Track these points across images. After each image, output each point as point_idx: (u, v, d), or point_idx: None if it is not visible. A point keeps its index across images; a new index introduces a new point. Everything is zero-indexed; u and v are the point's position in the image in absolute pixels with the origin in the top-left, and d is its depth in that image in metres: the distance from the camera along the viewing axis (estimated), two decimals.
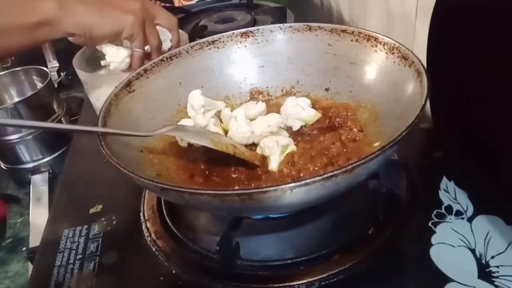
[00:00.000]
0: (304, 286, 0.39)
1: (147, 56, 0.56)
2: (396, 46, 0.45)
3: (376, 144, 0.44)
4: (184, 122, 0.49)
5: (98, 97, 0.60)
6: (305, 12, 1.04)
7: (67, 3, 0.48)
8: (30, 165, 0.69)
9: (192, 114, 0.48)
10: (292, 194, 0.30)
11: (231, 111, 0.50)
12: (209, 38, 0.55)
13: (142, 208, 0.49)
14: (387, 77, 0.46)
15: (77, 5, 0.48)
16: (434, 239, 0.42)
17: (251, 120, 0.49)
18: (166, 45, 0.59)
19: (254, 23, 0.91)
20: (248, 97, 0.56)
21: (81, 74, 0.60)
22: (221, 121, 0.50)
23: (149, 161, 0.45)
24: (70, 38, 0.52)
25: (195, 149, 0.47)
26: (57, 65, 0.92)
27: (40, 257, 0.47)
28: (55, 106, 0.71)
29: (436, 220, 0.44)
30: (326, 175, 0.30)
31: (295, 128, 0.50)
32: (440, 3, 0.44)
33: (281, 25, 0.55)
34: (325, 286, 0.39)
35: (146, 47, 0.55)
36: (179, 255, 0.43)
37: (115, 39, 0.53)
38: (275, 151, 0.44)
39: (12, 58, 0.93)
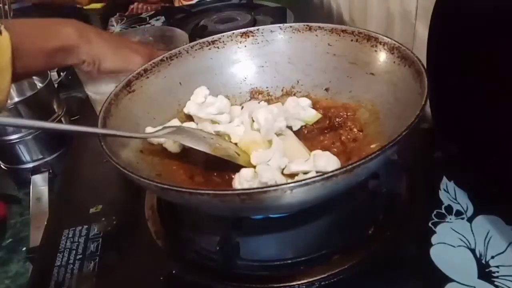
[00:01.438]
0: (304, 286, 0.39)
1: None
2: (396, 46, 0.45)
3: (376, 144, 0.44)
4: (173, 122, 0.49)
5: (98, 97, 0.60)
6: (305, 12, 1.04)
7: (87, 32, 0.51)
8: (30, 165, 0.69)
9: (192, 109, 0.48)
10: (292, 194, 0.30)
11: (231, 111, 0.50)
12: (209, 38, 0.55)
13: (142, 208, 0.49)
14: (387, 77, 0.46)
15: (95, 36, 0.52)
16: (434, 239, 0.42)
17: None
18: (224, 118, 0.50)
19: (254, 23, 0.91)
20: (248, 97, 0.56)
21: (81, 74, 0.60)
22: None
23: (149, 161, 0.45)
24: (76, 68, 0.55)
25: (195, 149, 0.47)
26: None
27: (40, 257, 0.47)
28: (55, 106, 0.71)
29: (436, 220, 0.44)
30: (326, 175, 0.30)
31: (295, 128, 0.50)
32: (440, 3, 0.44)
33: (281, 25, 0.55)
34: (325, 286, 0.39)
35: None
36: (179, 255, 0.43)
37: (119, 74, 0.56)
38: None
39: None
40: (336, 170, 0.30)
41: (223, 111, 0.48)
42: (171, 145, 0.46)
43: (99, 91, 0.59)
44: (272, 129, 0.46)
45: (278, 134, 0.47)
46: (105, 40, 0.53)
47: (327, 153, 0.42)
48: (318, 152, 0.43)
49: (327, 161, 0.40)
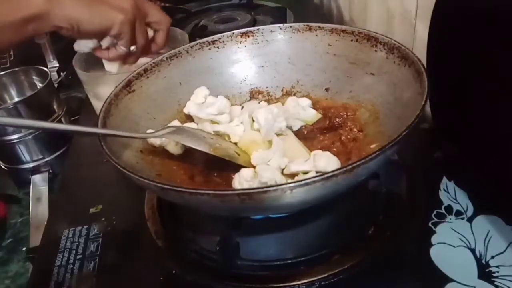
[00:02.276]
0: (304, 286, 0.39)
1: (130, 54, 0.55)
2: (396, 46, 0.45)
3: (376, 144, 0.44)
4: (173, 123, 0.49)
5: (98, 97, 0.60)
6: (305, 12, 1.04)
7: None
8: (30, 165, 0.69)
9: (192, 110, 0.49)
10: (292, 194, 0.30)
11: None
12: (209, 38, 0.55)
13: (142, 208, 0.49)
14: (387, 77, 0.46)
15: None
16: (434, 239, 0.42)
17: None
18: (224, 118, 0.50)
19: (254, 23, 0.91)
20: (248, 97, 0.56)
21: (81, 74, 0.60)
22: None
23: (149, 161, 0.45)
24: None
25: (195, 149, 0.47)
26: (57, 65, 0.92)
27: (40, 257, 0.47)
28: (55, 106, 0.71)
29: (436, 220, 0.44)
30: (326, 175, 0.30)
31: (295, 128, 0.50)
32: (440, 3, 0.44)
33: (281, 25, 0.55)
34: (325, 286, 0.39)
35: (132, 47, 0.53)
36: (179, 255, 0.43)
37: (103, 35, 0.51)
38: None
39: (11, 58, 0.92)
40: (336, 170, 0.30)
41: (223, 111, 0.48)
42: (173, 148, 0.46)
43: (99, 91, 0.59)
44: (272, 129, 0.46)
45: (278, 134, 0.47)
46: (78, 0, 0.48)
47: (327, 153, 0.42)
48: (318, 152, 0.43)
49: (327, 161, 0.40)
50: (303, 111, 0.49)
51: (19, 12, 0.45)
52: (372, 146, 0.45)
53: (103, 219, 0.49)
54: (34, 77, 0.76)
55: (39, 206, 0.63)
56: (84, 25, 0.48)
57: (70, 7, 0.47)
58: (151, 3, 0.53)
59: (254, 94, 0.56)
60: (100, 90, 0.59)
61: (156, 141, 0.46)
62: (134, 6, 0.50)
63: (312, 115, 0.50)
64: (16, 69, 0.77)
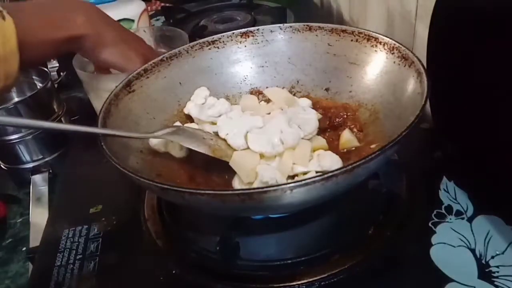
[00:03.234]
0: (304, 286, 0.39)
1: None
2: (396, 46, 0.45)
3: (376, 144, 0.44)
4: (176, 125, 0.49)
5: (98, 97, 0.60)
6: (305, 12, 1.04)
7: (97, 20, 0.51)
8: (30, 165, 0.69)
9: (193, 112, 0.48)
10: (292, 194, 0.30)
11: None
12: (209, 38, 0.55)
13: (142, 208, 0.49)
14: (387, 77, 0.46)
15: (104, 26, 0.51)
16: (434, 239, 0.42)
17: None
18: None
19: (254, 23, 0.91)
20: None
21: (81, 74, 0.60)
22: None
23: (149, 161, 0.45)
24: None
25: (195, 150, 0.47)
26: (57, 65, 0.92)
27: (40, 257, 0.47)
28: (55, 106, 0.71)
29: (436, 220, 0.44)
30: (326, 175, 0.30)
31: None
32: (440, 3, 0.44)
33: (281, 25, 0.55)
34: (325, 286, 0.39)
35: None
36: (179, 255, 0.43)
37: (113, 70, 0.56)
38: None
39: None
40: (336, 170, 0.30)
41: (224, 114, 0.48)
42: (178, 152, 0.46)
43: (99, 91, 0.59)
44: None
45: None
46: (112, 30, 0.52)
47: (330, 152, 0.42)
48: (321, 152, 0.43)
49: (331, 161, 0.40)
50: (303, 112, 0.49)
51: (61, 32, 0.48)
52: (372, 146, 0.45)
53: (103, 219, 0.49)
54: (34, 77, 0.76)
55: (39, 206, 0.63)
56: (105, 54, 0.52)
57: (104, 35, 0.51)
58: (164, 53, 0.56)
59: (254, 94, 0.56)
60: (100, 90, 0.59)
61: (161, 147, 0.46)
62: (147, 55, 0.54)
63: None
64: None
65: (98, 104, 0.60)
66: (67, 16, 0.49)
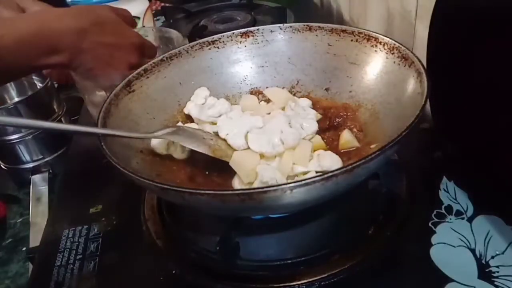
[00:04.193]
0: (304, 286, 0.39)
1: None
2: (396, 46, 0.45)
3: (376, 144, 0.44)
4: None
5: (94, 101, 0.59)
6: (305, 12, 1.04)
7: (85, 36, 0.49)
8: (30, 165, 0.69)
9: (193, 112, 0.48)
10: (292, 194, 0.30)
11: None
12: (209, 38, 0.55)
13: (142, 208, 0.49)
14: (387, 77, 0.46)
15: (91, 44, 0.49)
16: (434, 239, 0.42)
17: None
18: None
19: (254, 23, 0.91)
20: None
21: (77, 77, 0.59)
22: None
23: (149, 161, 0.45)
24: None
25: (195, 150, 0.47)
26: None
27: (40, 257, 0.47)
28: (55, 106, 0.71)
29: (436, 220, 0.44)
30: (326, 175, 0.30)
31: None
32: (440, 3, 0.44)
33: (281, 25, 0.55)
34: (325, 286, 0.39)
35: None
36: (179, 255, 0.43)
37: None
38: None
39: None
40: (336, 170, 0.30)
41: (224, 114, 0.49)
42: (180, 154, 0.46)
43: (95, 96, 0.59)
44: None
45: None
46: (98, 46, 0.50)
47: (330, 152, 0.42)
48: (321, 152, 0.43)
49: (331, 160, 0.40)
50: (303, 112, 0.49)
51: (44, 59, 0.46)
52: (372, 146, 0.45)
53: (103, 219, 0.49)
54: (34, 77, 0.76)
55: (39, 206, 0.63)
56: (86, 66, 0.51)
57: (88, 54, 0.49)
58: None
59: (254, 94, 0.56)
60: (95, 96, 0.58)
61: (163, 150, 0.46)
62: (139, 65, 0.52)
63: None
64: None
65: (94, 108, 0.59)
66: (53, 36, 0.47)
